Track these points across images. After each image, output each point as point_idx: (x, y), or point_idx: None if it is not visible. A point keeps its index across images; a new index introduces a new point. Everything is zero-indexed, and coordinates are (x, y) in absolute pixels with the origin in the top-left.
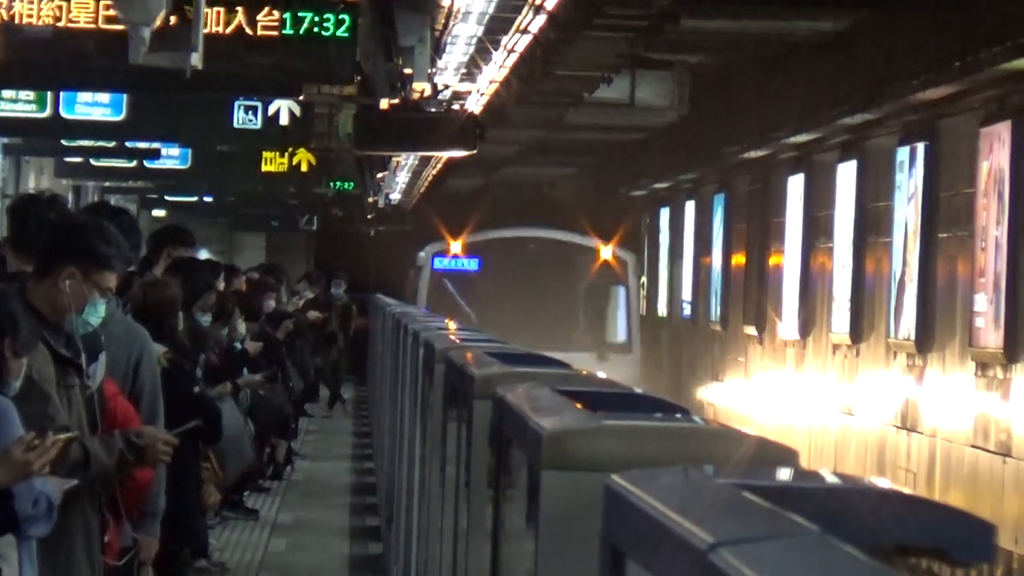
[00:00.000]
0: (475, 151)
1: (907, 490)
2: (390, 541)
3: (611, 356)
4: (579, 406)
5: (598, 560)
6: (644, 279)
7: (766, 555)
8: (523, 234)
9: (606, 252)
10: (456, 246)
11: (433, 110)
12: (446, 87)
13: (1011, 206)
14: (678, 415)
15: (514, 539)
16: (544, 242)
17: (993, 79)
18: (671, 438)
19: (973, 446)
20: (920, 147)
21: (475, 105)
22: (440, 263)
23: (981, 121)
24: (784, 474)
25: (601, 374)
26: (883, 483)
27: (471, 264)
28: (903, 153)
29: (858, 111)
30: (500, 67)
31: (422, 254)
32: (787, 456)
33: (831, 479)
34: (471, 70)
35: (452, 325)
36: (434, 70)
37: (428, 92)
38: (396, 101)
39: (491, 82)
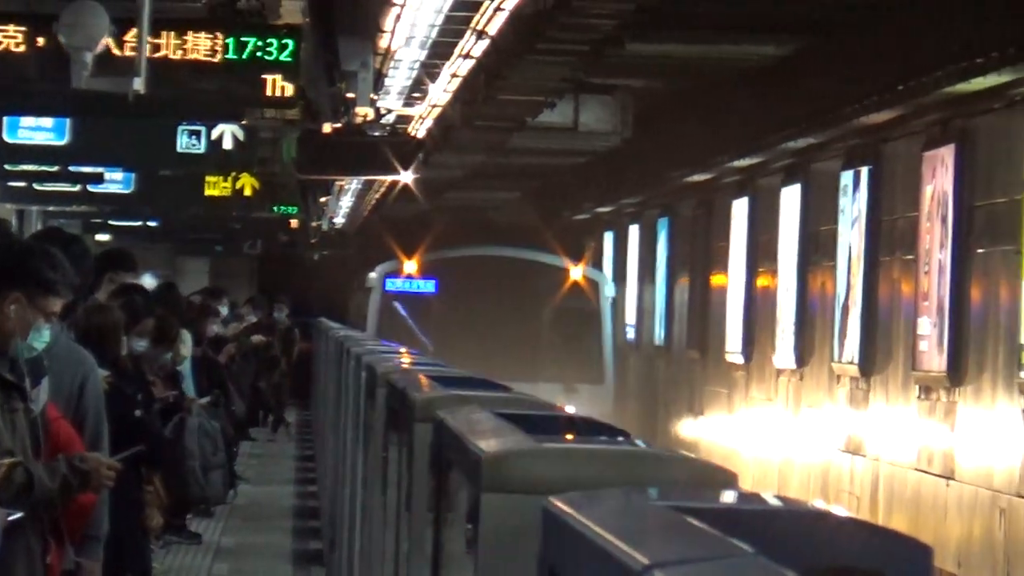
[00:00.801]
0: (418, 175)
1: (845, 512)
2: (333, 564)
3: (582, 387)
4: (518, 429)
5: None
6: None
7: None
8: (485, 252)
9: (576, 272)
10: (410, 265)
11: (376, 134)
12: (389, 111)
13: (954, 229)
14: (619, 438)
15: (454, 561)
16: (508, 261)
17: (936, 103)
18: (610, 461)
19: (917, 469)
20: (864, 171)
21: (418, 129)
22: (392, 284)
23: (924, 145)
24: (723, 496)
25: (571, 408)
26: (821, 505)
27: (427, 285)
28: (847, 177)
29: (802, 135)
30: (443, 92)
31: (372, 275)
32: (727, 478)
33: (770, 501)
34: (414, 95)
35: (397, 349)
36: (377, 95)
37: (371, 116)
38: (339, 125)
39: (434, 106)
